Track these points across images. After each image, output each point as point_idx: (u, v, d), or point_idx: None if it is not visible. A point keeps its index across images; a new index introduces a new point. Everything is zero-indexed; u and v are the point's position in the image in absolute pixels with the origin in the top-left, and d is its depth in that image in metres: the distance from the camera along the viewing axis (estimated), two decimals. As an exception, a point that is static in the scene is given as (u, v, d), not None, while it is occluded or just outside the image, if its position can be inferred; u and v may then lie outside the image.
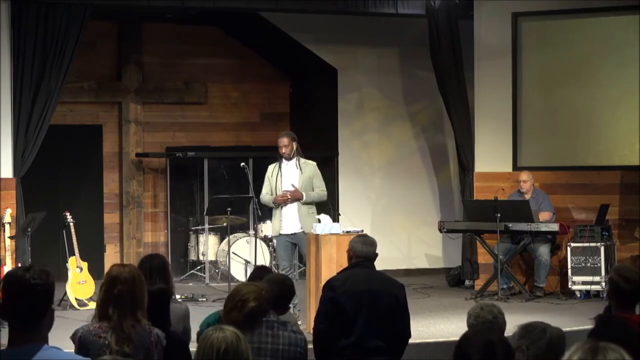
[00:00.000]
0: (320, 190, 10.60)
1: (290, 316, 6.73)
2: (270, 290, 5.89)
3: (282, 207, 10.50)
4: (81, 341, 5.02)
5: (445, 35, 12.96)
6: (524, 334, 4.51)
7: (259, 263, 12.07)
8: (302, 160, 10.65)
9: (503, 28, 12.86)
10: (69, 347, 5.07)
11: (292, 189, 10.45)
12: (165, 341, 5.18)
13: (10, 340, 3.64)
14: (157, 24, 14.53)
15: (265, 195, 10.68)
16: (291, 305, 9.56)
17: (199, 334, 5.98)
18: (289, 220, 10.50)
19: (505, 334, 4.55)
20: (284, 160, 10.60)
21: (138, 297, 5.07)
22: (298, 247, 10.58)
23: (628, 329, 4.50)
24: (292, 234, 10.49)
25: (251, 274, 7.13)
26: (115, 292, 5.03)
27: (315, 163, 10.78)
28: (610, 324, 4.39)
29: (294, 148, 10.60)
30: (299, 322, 9.64)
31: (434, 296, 12.55)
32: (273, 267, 11.81)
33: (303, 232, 10.37)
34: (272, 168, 10.74)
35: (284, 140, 10.59)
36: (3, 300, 3.68)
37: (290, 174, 10.56)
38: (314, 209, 10.57)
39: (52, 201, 13.53)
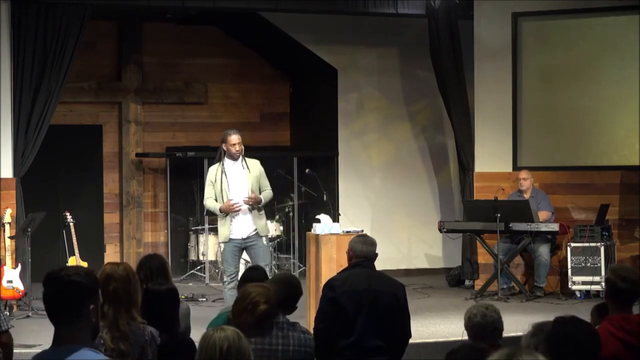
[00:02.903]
0: (268, 190, 9.99)
1: None
2: (278, 291, 5.87)
3: (232, 214, 9.84)
4: None
5: (445, 35, 12.95)
6: (535, 333, 4.52)
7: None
8: (247, 159, 9.96)
9: (503, 28, 12.86)
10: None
11: (243, 196, 9.79)
12: (160, 339, 5.18)
13: (53, 339, 3.61)
14: (157, 24, 14.53)
15: (208, 199, 9.97)
16: None
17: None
18: (240, 225, 9.85)
19: (512, 334, 4.56)
20: (227, 160, 9.90)
21: (133, 295, 5.08)
22: (247, 251, 10.00)
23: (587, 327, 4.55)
24: (244, 238, 9.87)
25: (243, 275, 7.09)
26: (110, 290, 5.03)
27: (259, 161, 10.10)
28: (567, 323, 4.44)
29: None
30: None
31: (434, 296, 12.54)
32: (273, 268, 11.79)
33: (257, 234, 9.89)
34: (214, 170, 9.94)
35: (239, 138, 9.87)
36: (43, 298, 3.66)
37: (237, 176, 9.89)
38: (263, 210, 10.05)
39: (52, 201, 13.53)
